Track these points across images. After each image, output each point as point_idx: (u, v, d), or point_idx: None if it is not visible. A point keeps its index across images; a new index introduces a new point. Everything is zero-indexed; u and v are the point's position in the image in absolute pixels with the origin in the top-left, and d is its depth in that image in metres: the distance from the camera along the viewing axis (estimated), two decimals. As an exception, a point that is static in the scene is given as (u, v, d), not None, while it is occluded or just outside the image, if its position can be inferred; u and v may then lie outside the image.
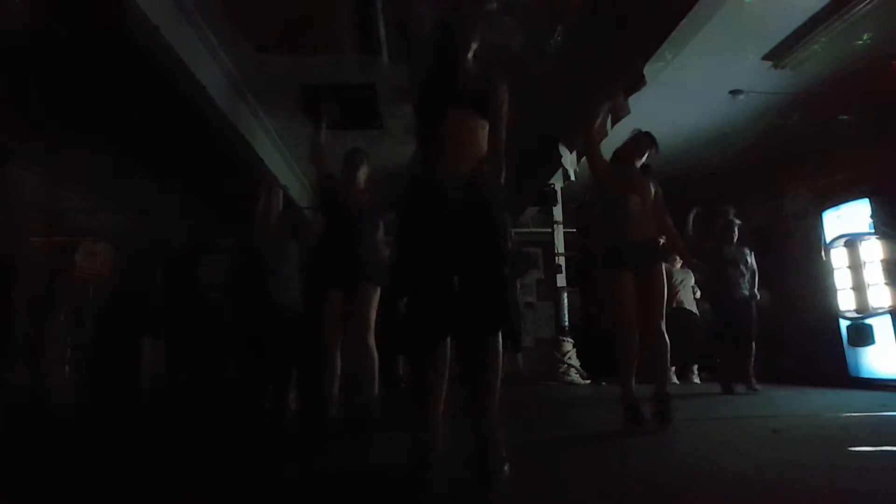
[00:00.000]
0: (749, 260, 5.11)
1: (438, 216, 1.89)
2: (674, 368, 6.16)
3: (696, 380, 6.25)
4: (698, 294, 6.34)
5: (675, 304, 5.97)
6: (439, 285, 1.86)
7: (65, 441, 3.19)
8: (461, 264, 1.86)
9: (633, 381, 3.05)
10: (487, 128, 2.01)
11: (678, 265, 6.19)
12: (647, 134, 3.27)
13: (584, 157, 3.53)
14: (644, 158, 3.23)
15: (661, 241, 3.33)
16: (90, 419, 4.30)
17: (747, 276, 5.06)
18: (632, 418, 2.99)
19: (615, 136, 3.35)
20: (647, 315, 3.06)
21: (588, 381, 6.46)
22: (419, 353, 1.93)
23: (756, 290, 5.09)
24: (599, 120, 3.45)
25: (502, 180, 2.01)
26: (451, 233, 1.86)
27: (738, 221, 5.14)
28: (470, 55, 2.07)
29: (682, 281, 6.22)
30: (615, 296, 3.08)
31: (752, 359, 4.97)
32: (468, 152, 1.95)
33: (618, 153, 3.31)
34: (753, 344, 4.98)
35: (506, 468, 1.78)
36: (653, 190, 3.22)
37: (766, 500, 1.70)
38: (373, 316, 3.08)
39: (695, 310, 6.23)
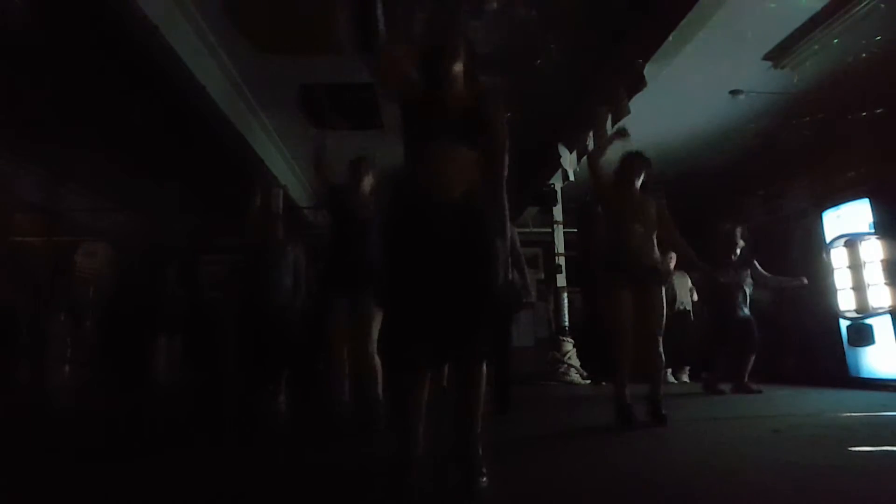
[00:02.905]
0: (750, 280, 5.10)
1: (423, 238, 1.82)
2: (670, 370, 6.22)
3: (686, 379, 6.29)
4: (695, 297, 6.37)
5: (675, 308, 5.98)
6: (423, 309, 1.79)
7: (64, 440, 3.19)
8: (446, 290, 1.78)
9: (627, 387, 3.13)
10: (478, 154, 1.91)
11: (673, 266, 6.22)
12: (639, 154, 3.33)
13: (588, 176, 3.58)
14: (641, 178, 3.29)
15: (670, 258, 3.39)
16: (90, 419, 4.30)
17: (748, 297, 5.09)
18: (623, 420, 3.07)
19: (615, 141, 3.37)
20: (644, 331, 3.15)
21: (588, 381, 6.46)
22: (401, 371, 1.88)
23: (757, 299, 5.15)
24: (603, 144, 3.51)
25: (505, 210, 1.92)
26: (436, 256, 1.79)
27: (741, 242, 5.07)
28: (458, 73, 1.96)
29: (678, 283, 6.23)
30: (614, 312, 3.17)
31: (748, 369, 5.00)
32: (457, 179, 1.86)
33: (616, 178, 3.35)
34: (752, 358, 5.01)
35: (483, 480, 1.78)
36: (656, 210, 3.27)
37: (766, 500, 1.70)
38: (376, 327, 3.10)
39: (690, 309, 6.29)
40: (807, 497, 1.70)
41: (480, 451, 1.84)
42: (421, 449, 1.84)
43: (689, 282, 6.35)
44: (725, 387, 4.94)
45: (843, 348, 5.39)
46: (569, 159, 6.71)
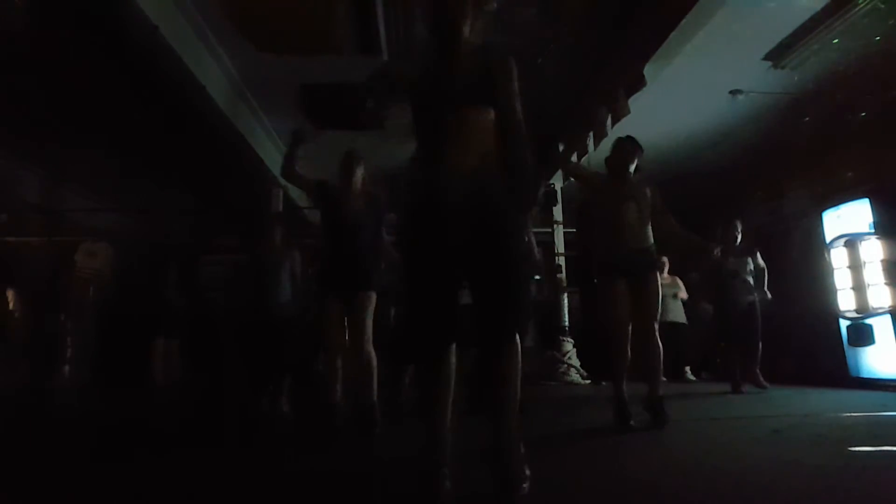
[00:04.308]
0: (751, 267, 5.08)
1: (443, 216, 1.72)
2: (688, 368, 6.34)
3: (691, 377, 6.34)
4: (685, 295, 6.52)
5: (666, 318, 6.01)
6: (445, 290, 1.71)
7: (64, 440, 3.19)
8: (472, 266, 1.71)
9: (625, 383, 3.12)
10: (494, 113, 1.81)
11: (665, 275, 6.27)
12: (630, 138, 3.30)
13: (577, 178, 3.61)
14: (634, 163, 3.25)
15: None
16: (90, 419, 4.30)
17: (749, 283, 5.05)
18: (621, 417, 3.06)
19: (608, 138, 3.38)
20: (641, 320, 3.13)
21: (588, 381, 6.46)
22: (424, 363, 1.77)
23: (763, 290, 5.07)
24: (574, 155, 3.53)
25: (530, 159, 1.79)
26: (459, 232, 1.70)
27: (739, 228, 5.08)
28: (466, 33, 1.84)
29: (669, 293, 6.22)
30: (610, 302, 3.15)
31: (758, 359, 5.00)
32: (474, 146, 1.76)
33: (609, 165, 3.33)
34: (759, 345, 5.00)
35: (525, 485, 1.62)
36: (650, 195, 3.23)
37: (766, 500, 1.70)
38: (371, 322, 3.10)
39: (682, 320, 6.46)
40: (807, 497, 1.70)
41: (522, 449, 1.67)
42: (449, 447, 1.70)
43: (682, 289, 6.47)
44: (744, 384, 4.93)
45: (843, 348, 5.39)
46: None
